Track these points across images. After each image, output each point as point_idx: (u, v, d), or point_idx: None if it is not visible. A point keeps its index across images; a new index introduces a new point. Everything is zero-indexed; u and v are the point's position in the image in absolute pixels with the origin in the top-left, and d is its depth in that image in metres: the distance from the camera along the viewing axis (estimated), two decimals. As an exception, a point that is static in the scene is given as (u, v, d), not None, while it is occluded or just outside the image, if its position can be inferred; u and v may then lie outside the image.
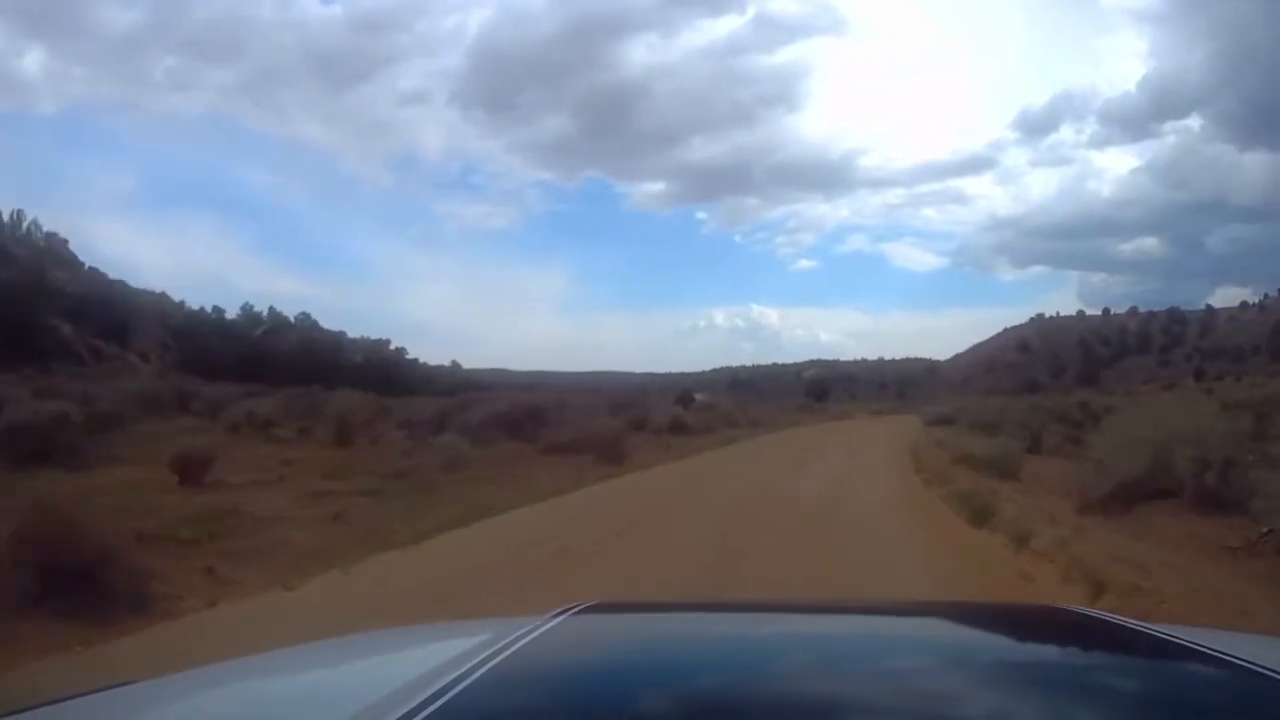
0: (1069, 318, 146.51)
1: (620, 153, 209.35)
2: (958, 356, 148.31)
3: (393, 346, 71.90)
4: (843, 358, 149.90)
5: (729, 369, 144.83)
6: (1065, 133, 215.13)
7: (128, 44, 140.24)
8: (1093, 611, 2.23)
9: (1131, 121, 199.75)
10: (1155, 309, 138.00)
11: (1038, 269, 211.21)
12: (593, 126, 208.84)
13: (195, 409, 26.38)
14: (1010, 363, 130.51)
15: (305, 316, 68.22)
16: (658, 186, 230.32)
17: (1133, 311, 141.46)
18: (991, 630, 1.87)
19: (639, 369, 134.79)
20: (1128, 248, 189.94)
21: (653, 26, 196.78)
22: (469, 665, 1.29)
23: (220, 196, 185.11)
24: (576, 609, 1.77)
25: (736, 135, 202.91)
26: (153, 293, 64.91)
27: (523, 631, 1.52)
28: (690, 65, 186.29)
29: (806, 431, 36.47)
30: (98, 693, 1.46)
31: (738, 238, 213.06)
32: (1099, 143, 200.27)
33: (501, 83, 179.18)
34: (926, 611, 2.37)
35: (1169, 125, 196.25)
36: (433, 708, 1.11)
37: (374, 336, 72.41)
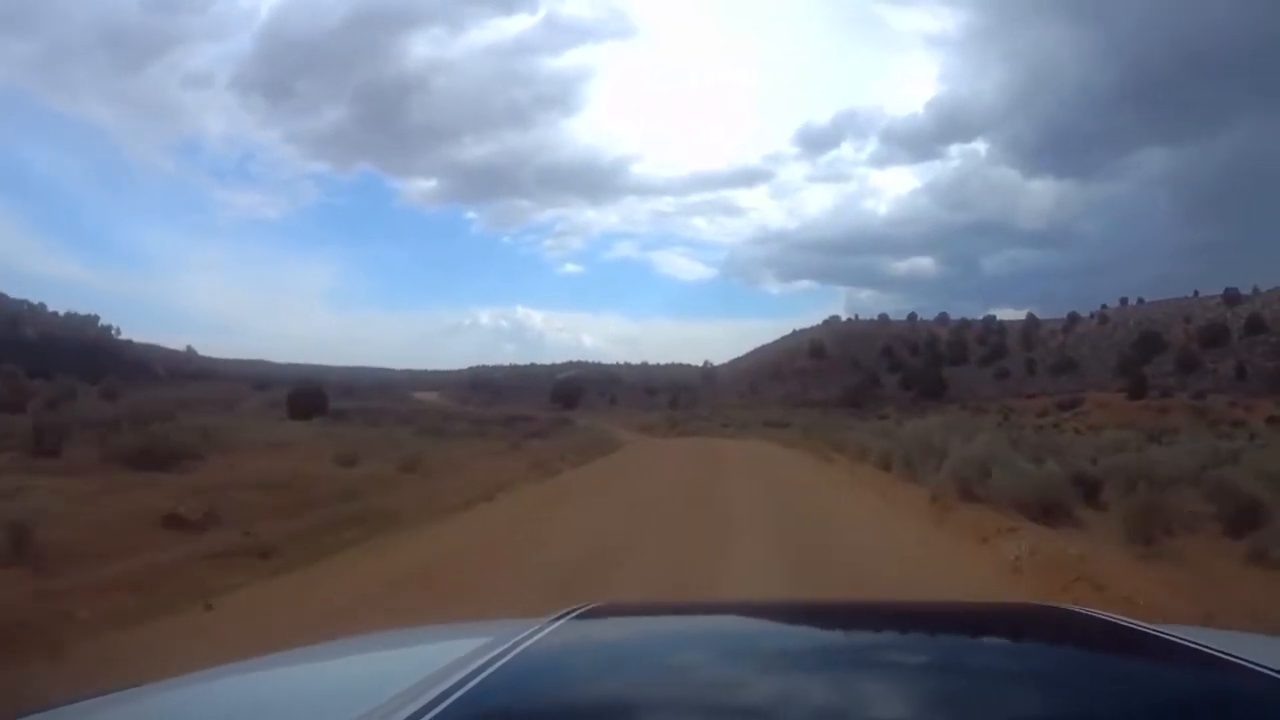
0: (869, 322, 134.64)
1: (394, 147, 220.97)
2: (737, 361, 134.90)
3: (102, 324, 72.11)
4: (604, 361, 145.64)
5: (486, 368, 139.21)
6: (846, 150, 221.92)
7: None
8: (1090, 610, 2.11)
9: (915, 142, 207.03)
10: (969, 317, 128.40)
11: (805, 283, 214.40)
12: (369, 119, 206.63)
13: None
14: (801, 369, 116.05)
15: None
16: (430, 184, 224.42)
17: (943, 318, 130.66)
18: (991, 629, 1.84)
19: (401, 365, 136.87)
20: (902, 266, 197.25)
21: (440, 20, 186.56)
22: (472, 668, 1.26)
23: (5, 175, 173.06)
24: (580, 611, 1.73)
25: (510, 136, 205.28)
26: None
27: (526, 634, 1.48)
28: (472, 62, 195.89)
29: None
30: (101, 696, 1.44)
31: (506, 239, 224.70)
32: (880, 161, 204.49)
33: (282, 69, 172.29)
34: (928, 611, 2.30)
35: (955, 148, 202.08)
36: (437, 710, 1.09)
37: (97, 317, 75.57)
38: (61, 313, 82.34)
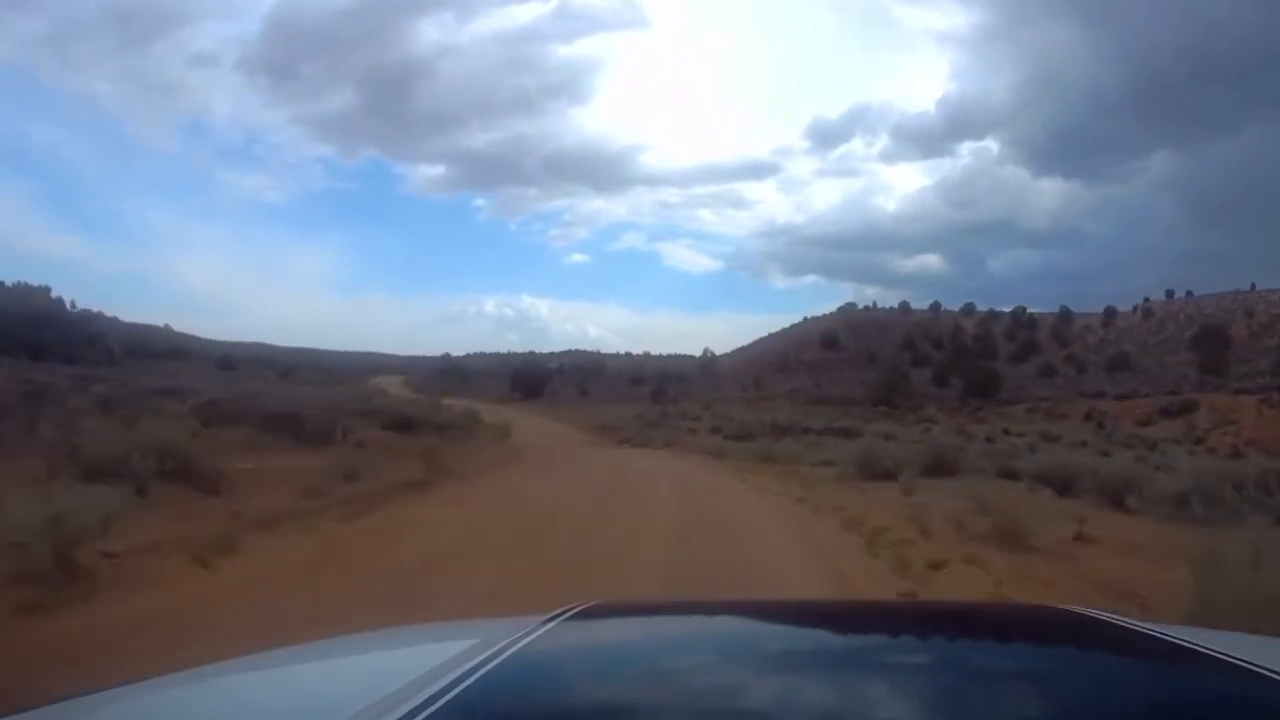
0: (887, 311, 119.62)
1: (401, 133, 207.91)
2: (741, 350, 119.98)
3: (55, 297, 72.25)
4: (604, 350, 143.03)
5: (483, 355, 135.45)
6: (857, 145, 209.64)
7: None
8: (1094, 611, 2.00)
9: (926, 139, 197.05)
10: (997, 308, 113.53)
11: (811, 278, 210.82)
12: (375, 103, 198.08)
13: None
14: (812, 361, 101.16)
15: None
16: (437, 170, 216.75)
17: (968, 309, 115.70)
18: (993, 631, 1.81)
19: (404, 352, 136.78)
20: (908, 263, 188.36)
21: (449, 6, 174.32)
22: (467, 667, 1.26)
23: (8, 151, 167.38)
24: (576, 610, 1.72)
25: (518, 123, 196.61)
26: None
27: (522, 632, 1.48)
28: (481, 48, 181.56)
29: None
30: (96, 693, 1.41)
31: (513, 227, 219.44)
32: (890, 157, 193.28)
33: (289, 51, 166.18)
34: (929, 611, 2.28)
35: (965, 146, 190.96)
36: (430, 710, 1.08)
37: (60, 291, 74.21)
38: (10, 283, 79.75)
